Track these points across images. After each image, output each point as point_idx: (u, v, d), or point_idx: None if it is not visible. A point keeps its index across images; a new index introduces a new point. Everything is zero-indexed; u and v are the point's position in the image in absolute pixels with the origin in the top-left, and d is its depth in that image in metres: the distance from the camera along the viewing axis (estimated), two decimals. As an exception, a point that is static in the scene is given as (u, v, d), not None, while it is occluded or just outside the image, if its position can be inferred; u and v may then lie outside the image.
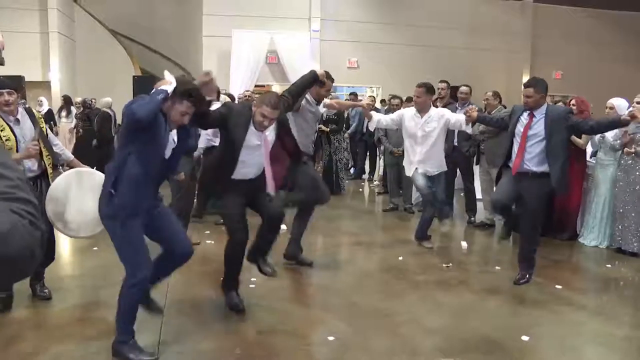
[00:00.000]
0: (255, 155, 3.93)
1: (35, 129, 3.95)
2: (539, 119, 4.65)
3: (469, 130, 5.79)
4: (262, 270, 4.21)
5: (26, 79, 13.10)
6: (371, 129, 6.52)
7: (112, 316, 3.37)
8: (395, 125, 6.04)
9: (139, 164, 3.09)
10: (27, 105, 4.52)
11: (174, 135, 3.32)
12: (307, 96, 5.07)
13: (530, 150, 4.64)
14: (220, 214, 4.51)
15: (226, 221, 4.05)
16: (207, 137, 5.91)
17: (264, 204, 4.06)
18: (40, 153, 3.89)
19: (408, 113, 5.87)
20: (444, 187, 5.97)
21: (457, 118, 5.66)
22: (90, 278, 4.78)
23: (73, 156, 4.38)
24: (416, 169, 5.74)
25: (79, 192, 3.83)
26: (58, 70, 14.93)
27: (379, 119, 6.01)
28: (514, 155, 4.75)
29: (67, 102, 12.42)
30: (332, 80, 5.23)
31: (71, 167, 4.14)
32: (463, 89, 7.07)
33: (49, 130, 4.37)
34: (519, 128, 4.73)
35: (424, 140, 5.67)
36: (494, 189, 6.66)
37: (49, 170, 4.01)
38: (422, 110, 5.70)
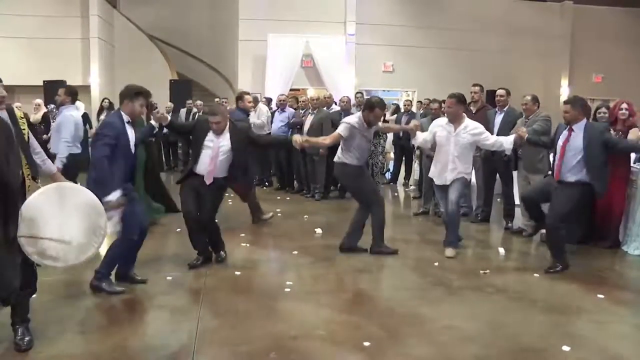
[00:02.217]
0: (207, 155, 4.99)
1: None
2: (577, 133, 5.17)
3: (509, 152, 5.79)
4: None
5: (67, 83, 13.48)
6: (414, 143, 6.55)
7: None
8: (429, 145, 6.07)
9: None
10: (16, 104, 4.50)
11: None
12: (357, 122, 5.51)
13: (567, 162, 5.18)
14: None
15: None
16: None
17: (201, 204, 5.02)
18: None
19: (439, 122, 5.93)
20: (460, 195, 5.81)
21: (496, 139, 5.73)
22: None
23: (56, 169, 3.95)
24: (441, 185, 5.81)
25: (60, 212, 3.24)
26: (97, 75, 15.31)
27: (424, 138, 6.04)
28: (553, 166, 5.41)
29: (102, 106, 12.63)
30: (376, 119, 5.62)
31: (53, 181, 3.63)
32: (500, 92, 6.96)
33: (31, 137, 3.91)
34: (559, 142, 5.29)
35: (456, 151, 5.64)
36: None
37: (27, 183, 3.52)
38: (454, 120, 5.70)
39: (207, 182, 4.99)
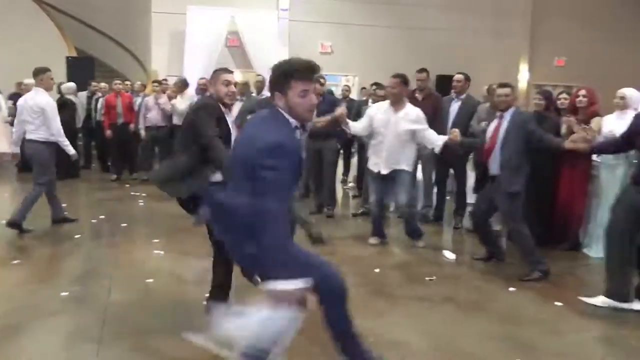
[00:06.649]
0: None
1: None
2: (506, 119, 5.36)
3: (437, 150, 5.96)
4: None
5: None
6: (352, 132, 6.69)
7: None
8: (367, 131, 6.19)
9: None
10: None
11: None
12: None
13: (497, 154, 5.34)
14: None
15: None
16: None
17: None
18: None
19: (378, 107, 6.13)
20: (408, 189, 6.04)
21: (432, 138, 5.87)
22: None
23: None
24: (378, 172, 6.02)
25: None
26: (-32, 49, 14.39)
27: (354, 126, 6.24)
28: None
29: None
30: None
31: None
32: (457, 76, 7.09)
33: None
34: (489, 131, 5.50)
35: (394, 137, 5.84)
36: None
37: None
38: (396, 103, 5.89)
39: None
